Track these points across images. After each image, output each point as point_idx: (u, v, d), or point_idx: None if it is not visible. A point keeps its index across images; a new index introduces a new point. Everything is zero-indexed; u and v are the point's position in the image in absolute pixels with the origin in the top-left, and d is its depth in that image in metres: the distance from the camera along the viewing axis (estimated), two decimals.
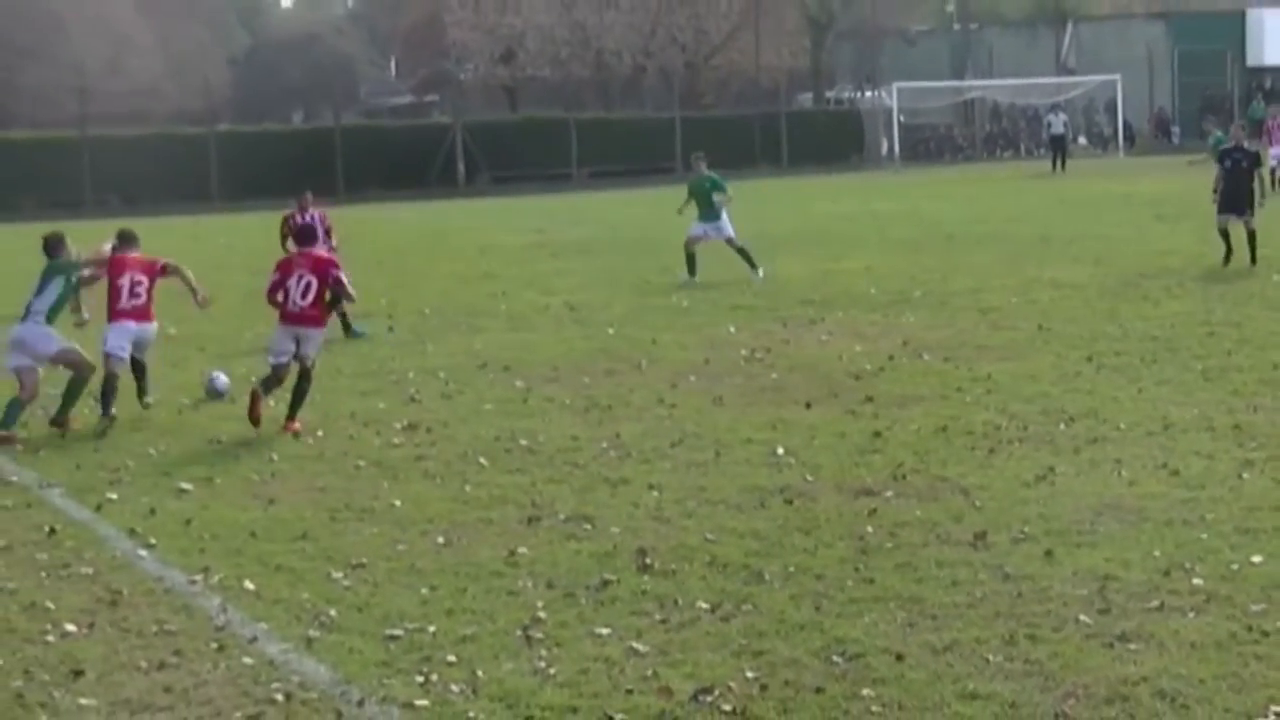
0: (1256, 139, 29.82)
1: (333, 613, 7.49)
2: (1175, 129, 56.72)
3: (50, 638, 7.33)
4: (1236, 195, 19.75)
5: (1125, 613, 7.04)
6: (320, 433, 11.86)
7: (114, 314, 12.90)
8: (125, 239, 13.42)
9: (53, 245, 12.87)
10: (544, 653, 6.86)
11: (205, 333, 17.21)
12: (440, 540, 8.72)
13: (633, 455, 10.67)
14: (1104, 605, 7.15)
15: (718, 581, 7.76)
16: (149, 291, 13.01)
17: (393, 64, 78.64)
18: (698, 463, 10.38)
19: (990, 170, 48.75)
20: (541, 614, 7.34)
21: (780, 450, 10.56)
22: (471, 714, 6.24)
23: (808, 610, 7.27)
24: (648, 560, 8.11)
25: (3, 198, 40.88)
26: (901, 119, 53.62)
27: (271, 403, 12.21)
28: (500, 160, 48.35)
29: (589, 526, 8.89)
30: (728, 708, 6.19)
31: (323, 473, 10.56)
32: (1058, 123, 47.03)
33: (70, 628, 7.43)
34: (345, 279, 12.56)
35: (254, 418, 11.85)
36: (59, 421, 12.33)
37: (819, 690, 6.32)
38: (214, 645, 7.12)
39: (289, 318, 12.31)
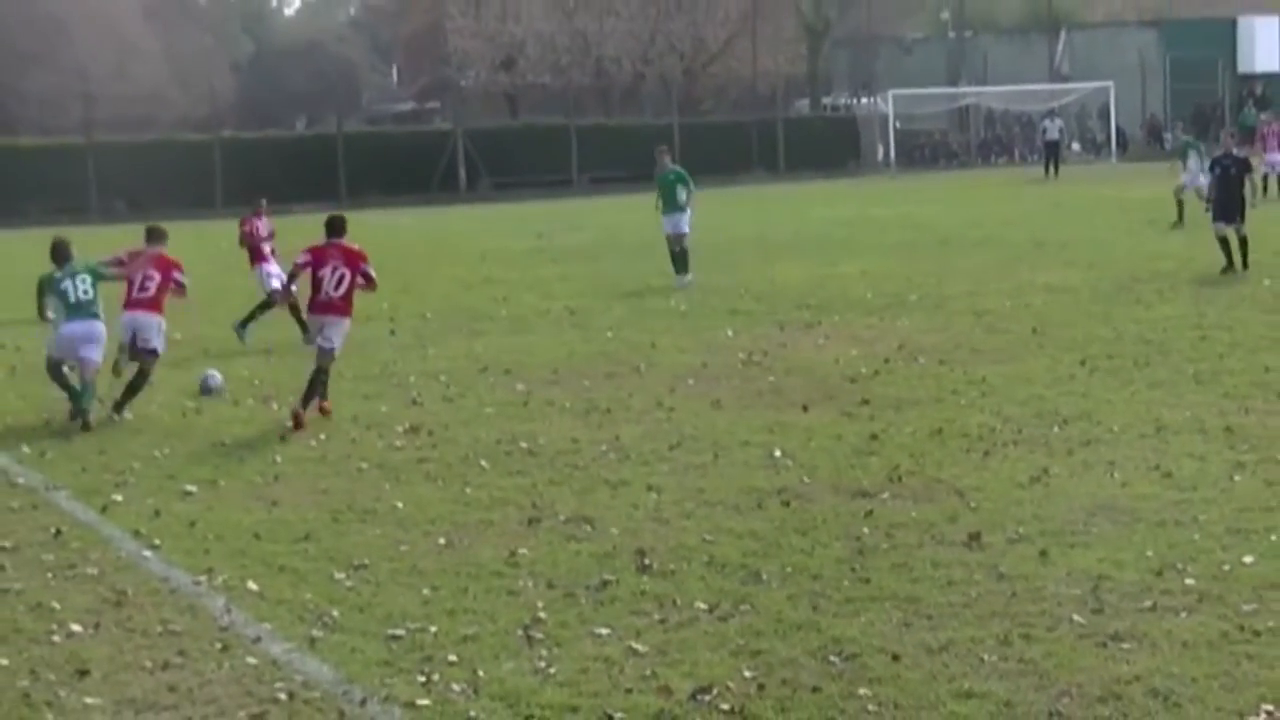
0: (1248, 145, 29.93)
1: (335, 613, 7.55)
2: (1167, 135, 56.73)
3: (56, 638, 7.40)
4: (1229, 202, 19.87)
5: (1118, 612, 7.11)
6: (323, 435, 11.93)
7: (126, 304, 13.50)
8: (152, 235, 14.00)
9: (60, 252, 13.23)
10: (544, 652, 6.92)
11: (208, 335, 17.37)
12: (442, 541, 8.79)
13: (632, 457, 10.75)
14: (1097, 605, 7.21)
15: (716, 582, 7.83)
16: (160, 286, 13.44)
17: (395, 71, 78.81)
18: (696, 465, 10.45)
19: (985, 176, 48.80)
20: (542, 614, 7.41)
21: (777, 452, 10.64)
22: (473, 713, 6.30)
23: (805, 610, 7.33)
24: (647, 561, 8.18)
25: (9, 203, 40.95)
26: (897, 125, 53.74)
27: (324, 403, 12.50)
28: (501, 166, 48.41)
29: (589, 528, 8.96)
30: (726, 707, 6.25)
31: (325, 475, 10.64)
32: (1053, 129, 47.19)
33: (76, 628, 7.50)
34: (372, 272, 12.93)
35: (322, 410, 12.49)
36: (84, 414, 12.62)
37: (816, 689, 6.38)
38: (218, 645, 7.18)
39: (318, 306, 12.73)
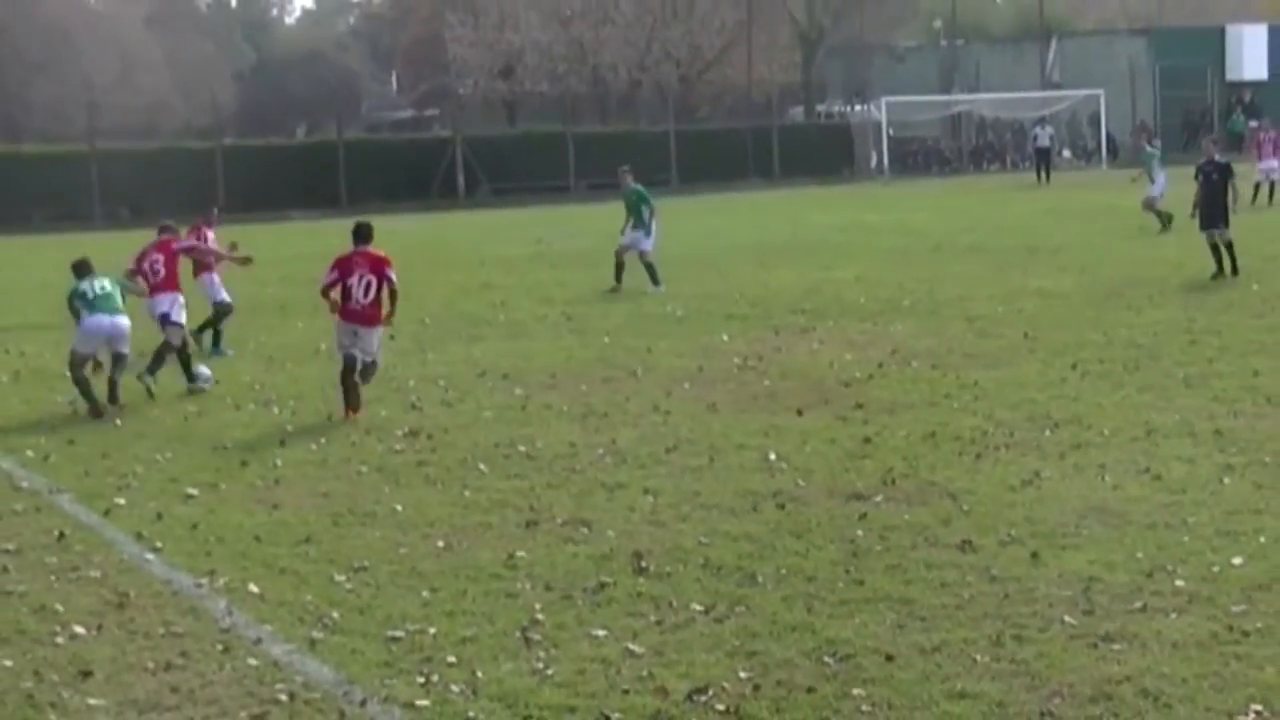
0: (1235, 152, 30.00)
1: (335, 615, 7.61)
2: (1157, 141, 56.92)
3: (60, 639, 7.45)
4: (1213, 208, 20.00)
5: (1109, 614, 7.18)
6: (323, 439, 12.00)
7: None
8: (161, 230, 15.69)
9: (82, 268, 14.11)
10: (542, 653, 6.98)
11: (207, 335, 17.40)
12: (441, 544, 8.86)
13: (629, 461, 10.82)
14: (1088, 606, 7.28)
15: (712, 583, 7.89)
16: (166, 266, 14.81)
17: (394, 79, 78.93)
18: (692, 468, 10.52)
19: (977, 182, 48.88)
20: (540, 616, 7.47)
21: (773, 456, 10.71)
22: (471, 714, 6.36)
23: (800, 612, 7.40)
24: (643, 563, 8.25)
25: (14, 210, 41.00)
26: (890, 132, 53.80)
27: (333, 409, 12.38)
28: (499, 173, 48.46)
29: (586, 530, 9.03)
30: (722, 707, 6.31)
31: (326, 478, 10.70)
32: (1043, 136, 47.44)
33: (79, 629, 7.55)
34: (395, 279, 13.11)
35: (353, 406, 12.68)
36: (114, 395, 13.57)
37: (811, 690, 6.44)
38: (220, 646, 7.23)
39: (349, 315, 12.91)
